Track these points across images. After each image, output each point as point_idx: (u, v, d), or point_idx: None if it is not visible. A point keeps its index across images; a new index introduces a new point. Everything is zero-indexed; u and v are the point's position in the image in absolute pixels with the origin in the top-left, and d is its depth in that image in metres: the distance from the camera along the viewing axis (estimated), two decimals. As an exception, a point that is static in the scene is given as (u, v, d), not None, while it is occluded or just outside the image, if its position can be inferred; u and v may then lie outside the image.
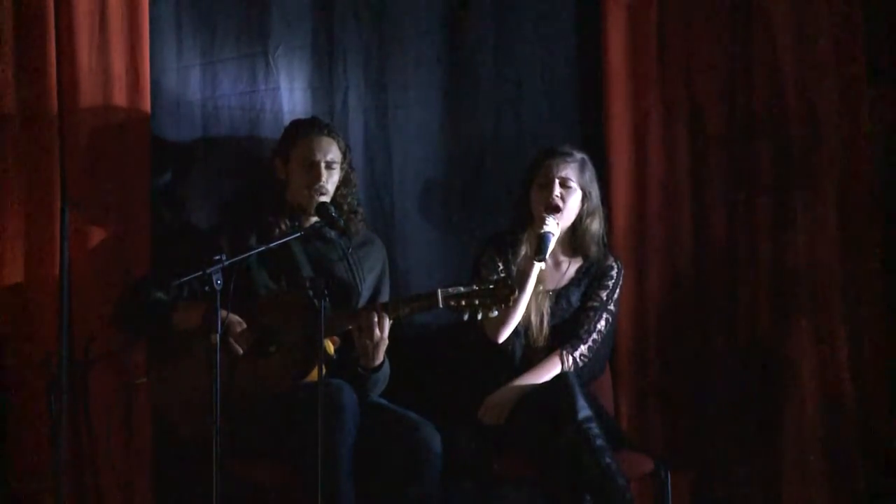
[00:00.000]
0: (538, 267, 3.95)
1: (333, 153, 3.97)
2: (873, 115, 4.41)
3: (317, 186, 3.93)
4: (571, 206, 4.02)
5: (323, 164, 3.95)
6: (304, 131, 3.98)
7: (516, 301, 3.89)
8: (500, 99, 4.46)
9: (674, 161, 4.44)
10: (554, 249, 4.05)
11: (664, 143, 4.43)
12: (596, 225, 4.08)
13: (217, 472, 3.41)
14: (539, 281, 4.00)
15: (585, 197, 4.05)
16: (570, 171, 4.01)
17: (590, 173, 4.06)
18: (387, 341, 3.75)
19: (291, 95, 4.33)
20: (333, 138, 3.99)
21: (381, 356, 3.78)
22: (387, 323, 3.73)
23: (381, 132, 4.41)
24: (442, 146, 4.45)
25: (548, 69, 4.48)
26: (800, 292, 4.40)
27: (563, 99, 4.49)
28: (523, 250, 4.05)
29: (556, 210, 3.98)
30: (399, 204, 4.41)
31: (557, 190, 3.99)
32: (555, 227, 3.97)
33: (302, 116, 4.20)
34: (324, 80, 4.37)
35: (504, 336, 3.95)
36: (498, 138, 4.46)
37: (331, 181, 3.97)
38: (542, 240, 3.94)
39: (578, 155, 4.05)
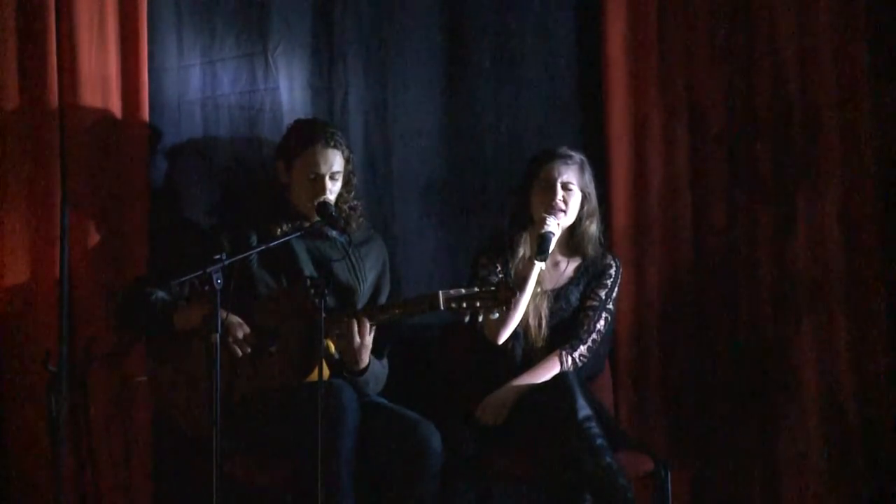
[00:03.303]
0: (538, 267, 3.95)
1: (338, 164, 3.96)
2: (873, 115, 4.40)
3: (320, 199, 3.92)
4: (572, 209, 4.03)
5: (327, 177, 3.94)
6: (308, 141, 3.93)
7: (516, 302, 3.90)
8: (500, 99, 4.46)
9: (674, 161, 4.44)
10: (552, 250, 4.05)
11: (664, 143, 4.43)
12: (594, 227, 4.08)
13: (217, 472, 3.41)
14: (537, 281, 4.00)
15: (585, 199, 4.05)
16: (571, 174, 4.01)
17: (589, 175, 4.06)
18: (369, 346, 3.76)
19: (291, 95, 4.33)
20: (338, 148, 3.96)
21: (364, 360, 3.78)
22: (367, 328, 3.73)
23: (381, 132, 4.41)
24: (442, 146, 4.45)
25: (548, 69, 4.47)
26: (800, 292, 4.40)
27: (563, 99, 4.48)
28: (521, 251, 4.05)
29: (559, 213, 3.98)
30: (399, 203, 4.41)
31: (560, 193, 3.99)
32: (555, 227, 3.98)
33: (302, 116, 4.19)
34: (323, 80, 4.36)
35: (504, 337, 3.95)
36: (498, 138, 4.46)
37: (334, 191, 3.96)
38: (544, 240, 3.94)
39: (578, 157, 4.05)
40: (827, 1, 4.40)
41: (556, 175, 4.00)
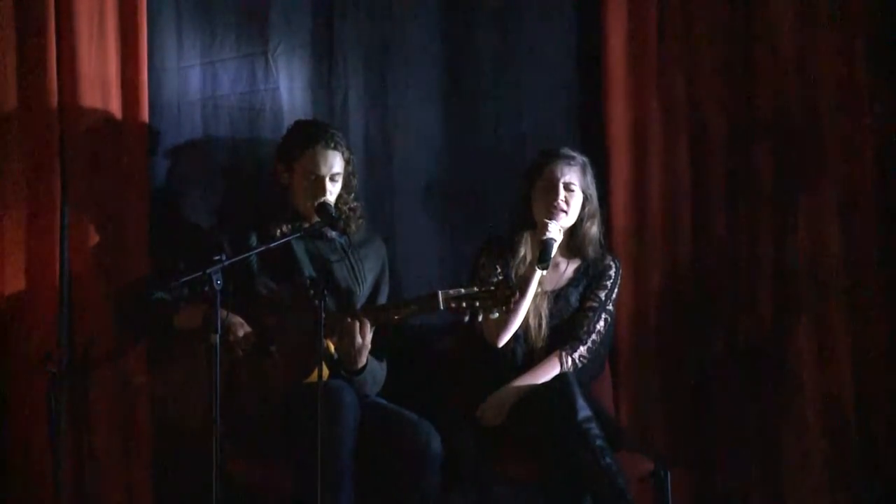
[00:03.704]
0: (539, 274, 3.95)
1: (338, 166, 3.96)
2: (873, 116, 4.40)
3: (320, 200, 3.92)
4: (573, 209, 4.03)
5: (327, 179, 3.94)
6: (308, 142, 3.94)
7: (517, 304, 3.89)
8: (500, 100, 4.46)
9: (674, 161, 4.44)
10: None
11: (664, 144, 4.43)
12: (595, 228, 4.08)
13: (217, 472, 3.41)
14: (538, 282, 4.00)
15: (586, 200, 4.05)
16: (573, 175, 4.01)
17: (591, 176, 4.07)
18: (369, 346, 3.76)
19: (291, 95, 4.33)
20: (338, 150, 3.96)
21: (362, 360, 3.78)
22: (368, 329, 3.73)
23: (381, 132, 4.41)
24: (442, 146, 4.45)
25: (548, 69, 4.47)
26: (800, 292, 4.40)
27: (563, 99, 4.49)
28: (522, 252, 4.05)
29: (560, 213, 3.98)
30: (399, 204, 4.41)
31: (562, 194, 4.00)
32: (557, 233, 3.98)
33: (302, 116, 4.19)
34: (324, 80, 4.36)
35: (504, 340, 3.96)
36: (498, 139, 4.46)
37: (333, 192, 3.97)
38: (545, 247, 3.94)
39: (580, 158, 4.06)
40: (826, 3, 4.40)
41: (559, 175, 4.00)
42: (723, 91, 4.43)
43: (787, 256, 4.41)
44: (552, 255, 3.96)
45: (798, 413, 4.39)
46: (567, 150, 4.06)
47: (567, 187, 4.01)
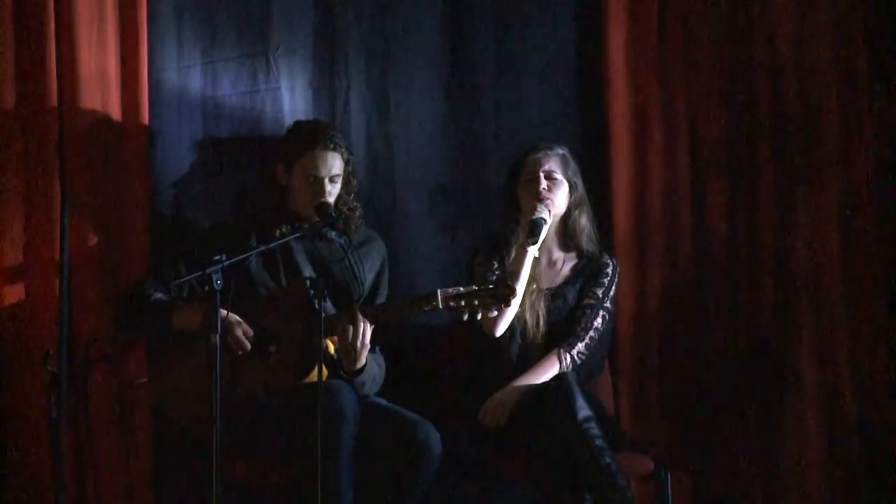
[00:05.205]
0: (531, 253, 3.96)
1: (337, 167, 3.97)
2: (872, 117, 4.40)
3: (320, 202, 3.93)
4: (559, 198, 4.04)
5: (327, 180, 3.94)
6: (308, 144, 3.94)
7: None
8: (500, 99, 4.46)
9: (674, 161, 4.43)
10: (548, 247, 4.07)
11: (664, 143, 4.43)
12: (585, 218, 4.10)
13: (217, 472, 3.41)
14: (535, 279, 4.01)
15: (572, 189, 4.07)
16: (553, 164, 4.04)
17: (573, 166, 4.09)
18: (368, 346, 3.75)
19: (292, 95, 4.33)
20: (338, 151, 3.97)
21: (362, 360, 3.77)
22: (368, 329, 3.73)
23: (383, 132, 4.42)
24: (443, 146, 4.45)
25: (548, 69, 4.48)
26: (800, 292, 4.40)
27: (563, 99, 4.49)
28: (515, 247, 4.05)
29: (545, 200, 3.99)
30: (400, 204, 4.42)
31: (544, 182, 4.02)
32: (546, 213, 3.99)
33: (303, 117, 4.20)
34: (325, 81, 4.37)
35: (501, 329, 3.95)
36: (498, 138, 4.46)
37: (333, 193, 3.97)
38: (534, 224, 3.95)
39: (560, 149, 4.09)
40: (826, 3, 4.40)
41: (538, 165, 4.04)
42: (723, 92, 4.43)
43: (787, 256, 4.40)
44: (543, 234, 3.96)
45: (798, 413, 4.38)
46: (546, 143, 4.09)
47: (549, 176, 4.03)
